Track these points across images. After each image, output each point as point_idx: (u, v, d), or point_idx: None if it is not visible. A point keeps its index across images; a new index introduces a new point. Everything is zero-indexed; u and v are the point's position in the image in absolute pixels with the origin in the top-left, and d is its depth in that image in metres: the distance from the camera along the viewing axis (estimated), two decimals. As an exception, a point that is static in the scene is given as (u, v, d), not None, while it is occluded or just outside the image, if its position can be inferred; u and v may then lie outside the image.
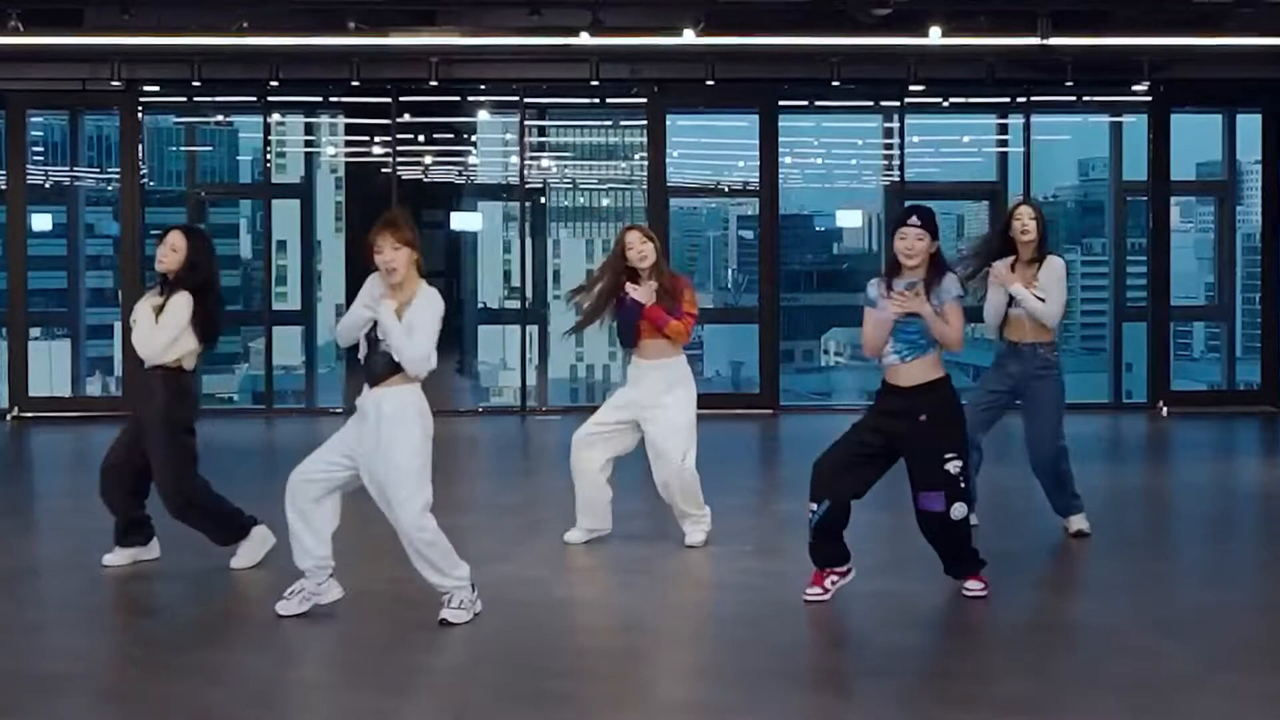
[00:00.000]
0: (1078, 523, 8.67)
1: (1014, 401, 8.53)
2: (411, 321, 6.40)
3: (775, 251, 16.25)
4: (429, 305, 6.45)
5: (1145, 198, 16.29)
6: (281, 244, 17.48)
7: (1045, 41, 14.06)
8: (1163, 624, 6.76)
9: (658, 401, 8.19)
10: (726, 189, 17.87)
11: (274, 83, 15.31)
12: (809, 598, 6.98)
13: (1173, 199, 16.65)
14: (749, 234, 18.80)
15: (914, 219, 6.79)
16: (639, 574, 7.70)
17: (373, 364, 6.49)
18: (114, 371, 17.30)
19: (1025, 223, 8.32)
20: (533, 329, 16.68)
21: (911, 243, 6.76)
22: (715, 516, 8.49)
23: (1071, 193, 25.56)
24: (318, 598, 6.79)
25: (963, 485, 6.82)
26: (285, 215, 16.80)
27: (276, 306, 16.52)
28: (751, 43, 14.69)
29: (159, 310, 7.64)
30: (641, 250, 8.20)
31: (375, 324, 6.46)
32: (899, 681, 5.89)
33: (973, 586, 7.11)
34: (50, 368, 17.04)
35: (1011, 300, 8.31)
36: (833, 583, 7.02)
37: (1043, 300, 8.25)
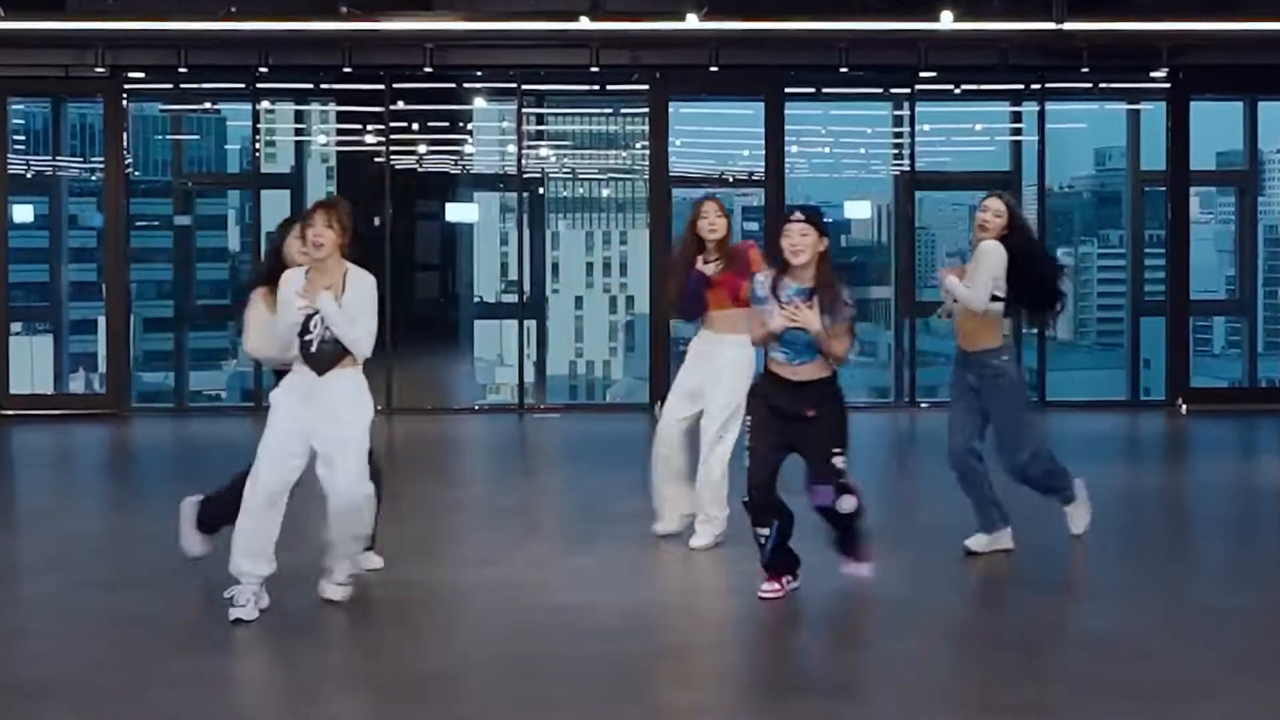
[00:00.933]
0: (1076, 519, 8.54)
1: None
2: (350, 307, 6.76)
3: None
4: (364, 288, 6.82)
5: (1164, 188, 16.29)
6: (271, 236, 17.46)
7: (1060, 26, 14.07)
8: (1179, 629, 6.77)
9: (718, 380, 8.26)
10: (731, 179, 17.86)
11: (263, 69, 15.34)
12: (766, 594, 7.10)
13: (1192, 189, 16.65)
14: (754, 226, 18.77)
15: (797, 214, 7.00)
16: (640, 576, 7.72)
17: (320, 355, 6.78)
18: (98, 368, 17.31)
19: (987, 218, 8.00)
20: (531, 324, 16.68)
21: (796, 239, 6.91)
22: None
23: (1087, 183, 25.51)
24: (260, 600, 6.91)
25: (844, 480, 6.98)
26: (275, 206, 16.78)
27: (266, 301, 16.50)
28: (757, 28, 14.71)
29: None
30: (715, 223, 8.28)
31: (307, 319, 6.75)
32: (909, 687, 5.91)
33: (855, 568, 7.25)
34: (32, 364, 17.04)
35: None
36: (787, 582, 7.17)
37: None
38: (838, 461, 6.93)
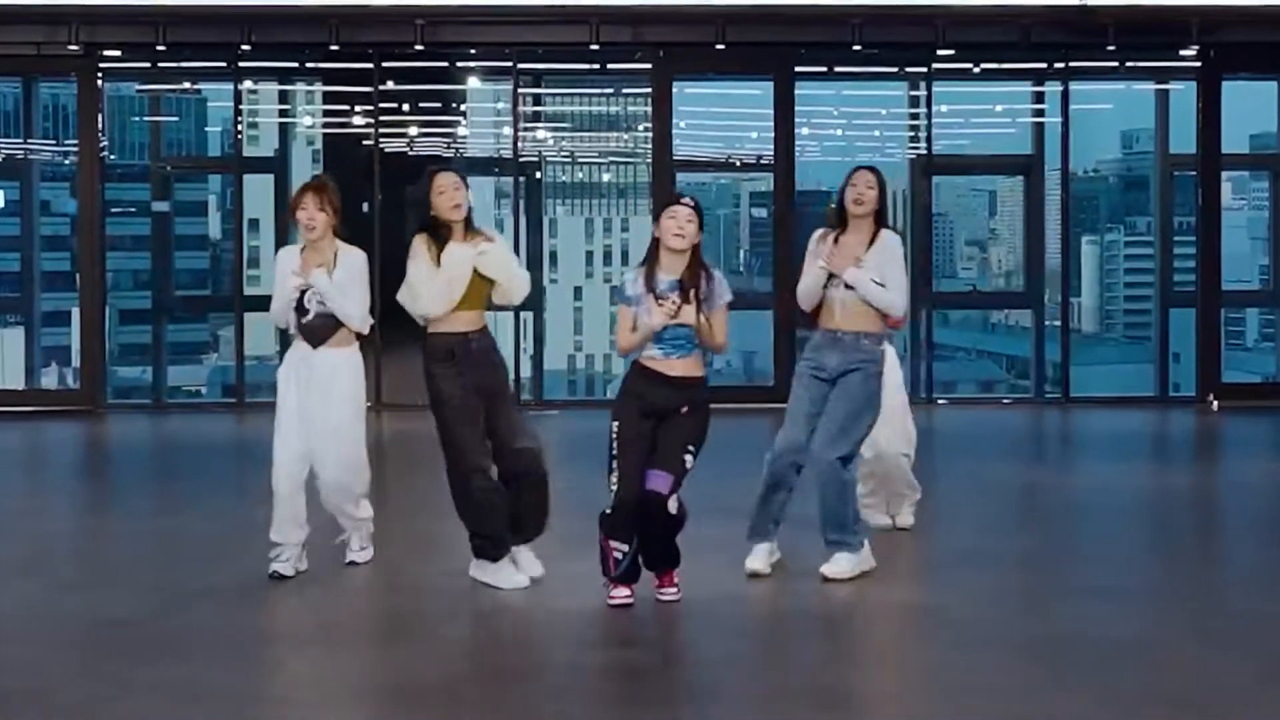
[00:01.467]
0: (835, 566, 7.62)
1: None
2: (341, 282, 7.52)
3: (791, 231, 16.24)
4: (354, 265, 7.58)
5: (1194, 172, 16.28)
6: (254, 223, 17.46)
7: (1085, 2, 14.05)
8: (1214, 635, 6.75)
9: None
10: (738, 163, 17.87)
11: (245, 46, 15.31)
12: (617, 601, 7.06)
13: (1224, 174, 16.64)
14: (762, 212, 18.78)
15: (686, 199, 7.09)
16: (643, 583, 7.69)
17: (313, 329, 7.56)
18: (71, 362, 17.30)
19: (861, 190, 7.62)
20: (527, 316, 16.66)
21: (682, 223, 6.98)
22: (721, 523, 8.43)
23: (1114, 167, 25.51)
24: (299, 563, 7.72)
25: (681, 481, 7.03)
26: (258, 192, 16.80)
27: (248, 291, 16.51)
28: (766, 2, 14.69)
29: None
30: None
31: (302, 294, 7.53)
32: (927, 698, 5.89)
33: (667, 592, 7.21)
34: (2, 358, 17.05)
35: (829, 279, 7.59)
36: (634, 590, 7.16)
37: (882, 287, 7.57)
38: (687, 458, 7.04)
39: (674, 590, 7.23)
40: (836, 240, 7.68)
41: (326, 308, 7.52)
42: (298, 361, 7.63)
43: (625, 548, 7.04)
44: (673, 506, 7.05)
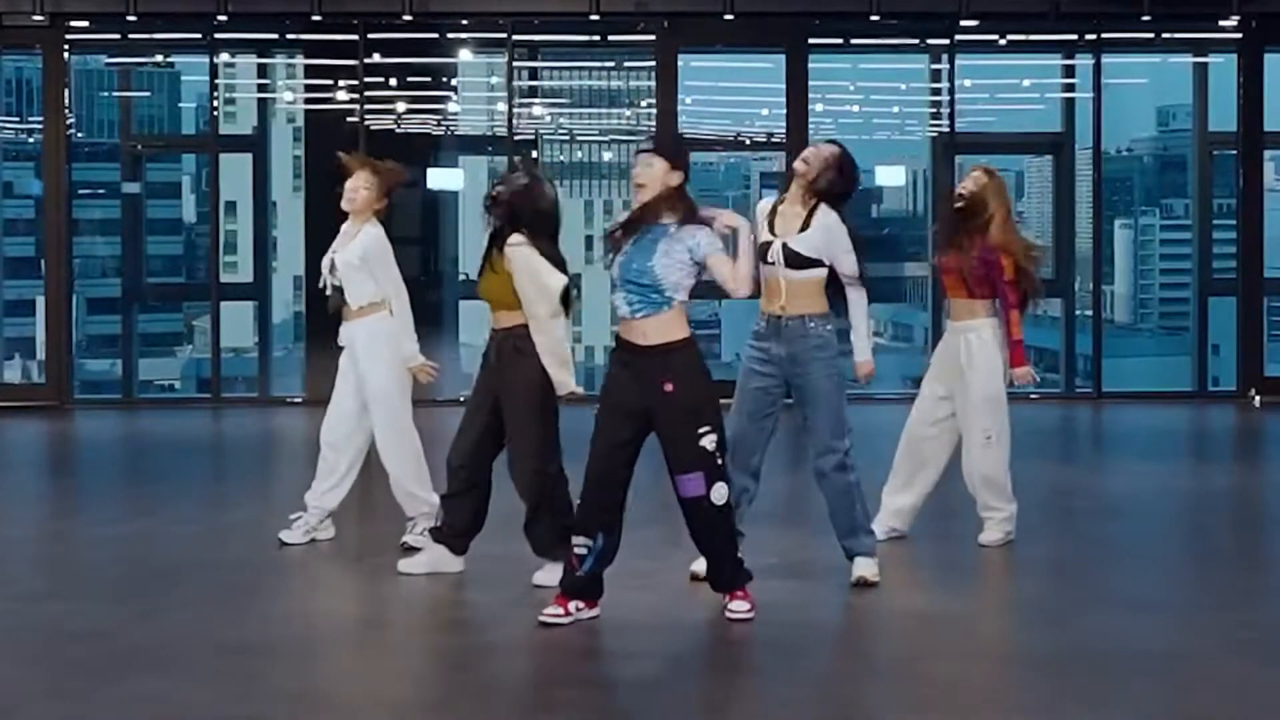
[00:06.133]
0: (863, 568, 7.62)
1: (786, 396, 7.73)
2: (349, 261, 8.28)
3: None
4: (358, 244, 8.30)
5: (1234, 151, 16.26)
6: (231, 205, 17.46)
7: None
8: (1256, 648, 6.75)
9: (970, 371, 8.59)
10: (748, 141, 17.86)
11: (222, 17, 15.31)
12: (548, 619, 6.88)
13: (1267, 153, 16.61)
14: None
15: (644, 144, 6.95)
16: (648, 591, 7.70)
17: (330, 300, 8.42)
18: (36, 354, 17.30)
19: (808, 155, 7.69)
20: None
21: (639, 169, 6.87)
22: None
23: (1149, 146, 25.52)
24: (318, 532, 8.58)
25: (719, 463, 6.79)
26: (235, 172, 16.79)
27: (225, 279, 16.53)
28: (777, -29, 14.66)
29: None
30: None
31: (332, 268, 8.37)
32: (951, 717, 5.89)
33: (737, 608, 7.01)
34: (-38, 350, 17.04)
35: (766, 254, 7.54)
36: (577, 608, 6.95)
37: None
38: (706, 443, 6.74)
39: (746, 606, 7.00)
40: (775, 208, 7.71)
41: (337, 281, 8.31)
42: (345, 333, 8.44)
43: (588, 543, 6.84)
44: (719, 497, 6.82)
